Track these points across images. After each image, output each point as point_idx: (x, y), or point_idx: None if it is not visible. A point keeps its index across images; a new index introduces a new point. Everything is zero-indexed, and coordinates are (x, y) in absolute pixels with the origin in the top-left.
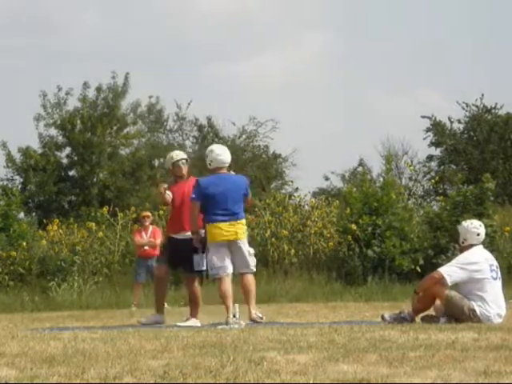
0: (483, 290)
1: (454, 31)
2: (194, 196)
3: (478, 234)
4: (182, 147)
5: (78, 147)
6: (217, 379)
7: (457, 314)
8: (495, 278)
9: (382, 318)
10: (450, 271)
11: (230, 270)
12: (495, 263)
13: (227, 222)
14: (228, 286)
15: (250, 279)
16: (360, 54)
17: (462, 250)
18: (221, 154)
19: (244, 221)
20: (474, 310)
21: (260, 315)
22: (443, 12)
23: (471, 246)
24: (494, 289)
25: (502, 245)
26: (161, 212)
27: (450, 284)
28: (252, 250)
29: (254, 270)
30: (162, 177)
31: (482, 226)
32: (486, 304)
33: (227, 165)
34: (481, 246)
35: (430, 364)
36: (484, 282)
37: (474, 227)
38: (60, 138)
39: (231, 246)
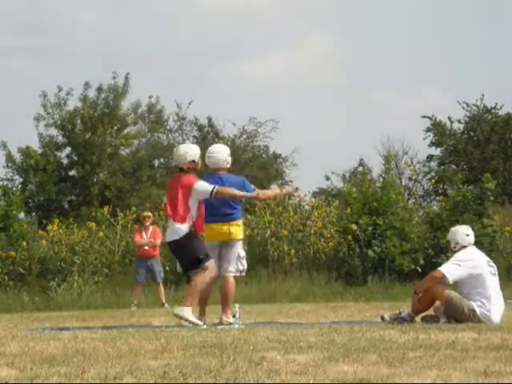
0: (484, 286)
1: (455, 31)
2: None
3: (468, 235)
4: None
5: (78, 147)
6: (217, 379)
7: (457, 315)
8: (494, 274)
9: (382, 318)
10: (450, 269)
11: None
12: (491, 260)
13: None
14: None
15: (226, 282)
16: (361, 54)
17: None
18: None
19: (239, 221)
20: (474, 311)
21: (229, 320)
22: (444, 12)
23: (463, 247)
24: (493, 284)
25: (502, 245)
26: (161, 212)
27: (451, 282)
28: (243, 253)
29: (235, 274)
30: (161, 177)
31: (470, 229)
32: (486, 301)
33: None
34: (474, 247)
35: (430, 364)
36: (483, 278)
37: (461, 228)
38: (60, 137)
39: (222, 246)
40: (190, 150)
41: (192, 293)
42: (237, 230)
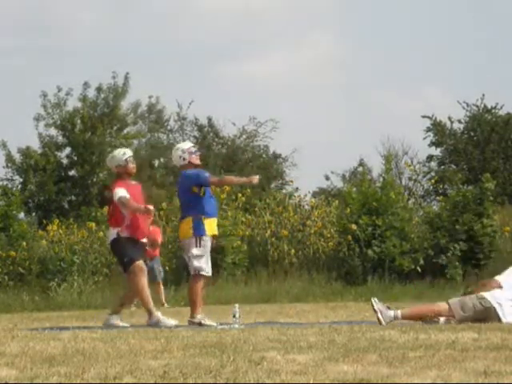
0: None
1: (455, 31)
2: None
3: None
4: None
5: (78, 147)
6: (217, 379)
7: (469, 311)
8: None
9: (372, 300)
10: (508, 278)
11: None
12: None
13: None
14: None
15: (189, 283)
16: (361, 54)
17: None
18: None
19: (188, 219)
20: (484, 298)
21: (192, 320)
22: (444, 12)
23: None
24: None
25: (501, 245)
26: (161, 212)
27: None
28: (196, 252)
29: (194, 273)
30: (161, 177)
31: None
32: (508, 290)
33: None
34: None
35: (430, 364)
36: None
37: None
38: (60, 138)
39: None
40: (117, 154)
41: (143, 300)
42: (183, 228)
